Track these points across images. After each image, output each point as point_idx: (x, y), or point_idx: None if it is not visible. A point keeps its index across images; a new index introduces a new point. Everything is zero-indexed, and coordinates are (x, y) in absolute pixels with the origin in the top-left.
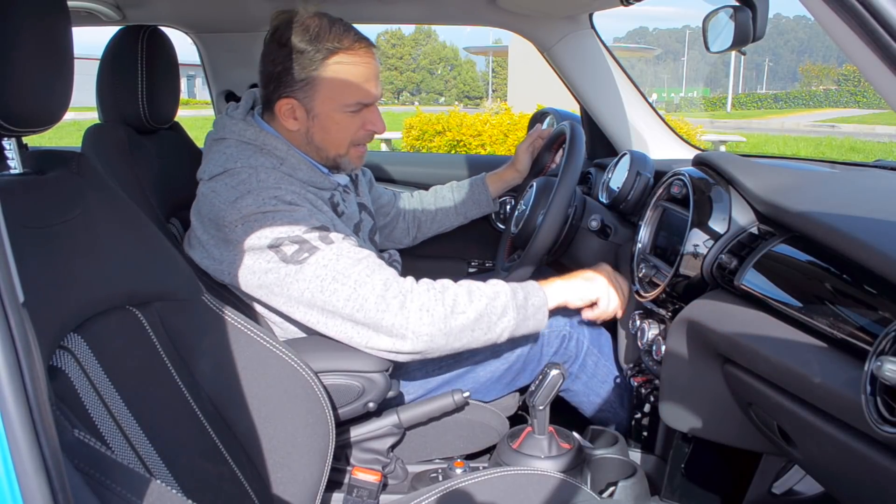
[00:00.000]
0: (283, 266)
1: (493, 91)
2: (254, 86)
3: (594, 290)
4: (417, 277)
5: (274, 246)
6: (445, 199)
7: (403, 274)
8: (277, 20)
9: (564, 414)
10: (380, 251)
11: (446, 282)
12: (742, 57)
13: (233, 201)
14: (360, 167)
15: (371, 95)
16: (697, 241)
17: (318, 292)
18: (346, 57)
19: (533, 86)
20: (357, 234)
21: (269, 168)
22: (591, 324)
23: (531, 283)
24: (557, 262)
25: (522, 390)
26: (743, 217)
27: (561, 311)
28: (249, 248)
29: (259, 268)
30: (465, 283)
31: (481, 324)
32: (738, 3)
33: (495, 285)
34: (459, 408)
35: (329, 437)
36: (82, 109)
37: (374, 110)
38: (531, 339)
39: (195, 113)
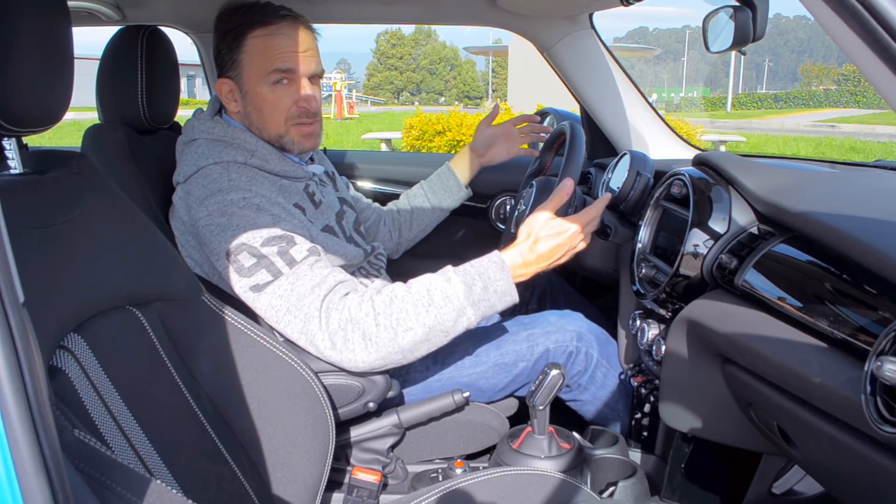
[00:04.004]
0: (241, 280)
1: (493, 91)
2: None
3: (560, 263)
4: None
5: (233, 253)
6: (417, 197)
7: (402, 274)
8: (219, 11)
9: (564, 414)
10: (367, 244)
11: (394, 292)
12: (742, 57)
13: (203, 199)
14: (309, 148)
15: (288, 63)
16: (697, 241)
17: (275, 322)
18: (265, 30)
19: (533, 86)
20: (340, 222)
21: (240, 163)
22: (599, 334)
23: (493, 264)
24: None
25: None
26: (743, 217)
27: (567, 325)
28: (213, 249)
29: (224, 274)
30: (415, 290)
31: (435, 333)
32: (738, 3)
33: (447, 286)
34: (459, 408)
35: (329, 437)
36: (82, 109)
37: (305, 86)
38: (535, 354)
39: None
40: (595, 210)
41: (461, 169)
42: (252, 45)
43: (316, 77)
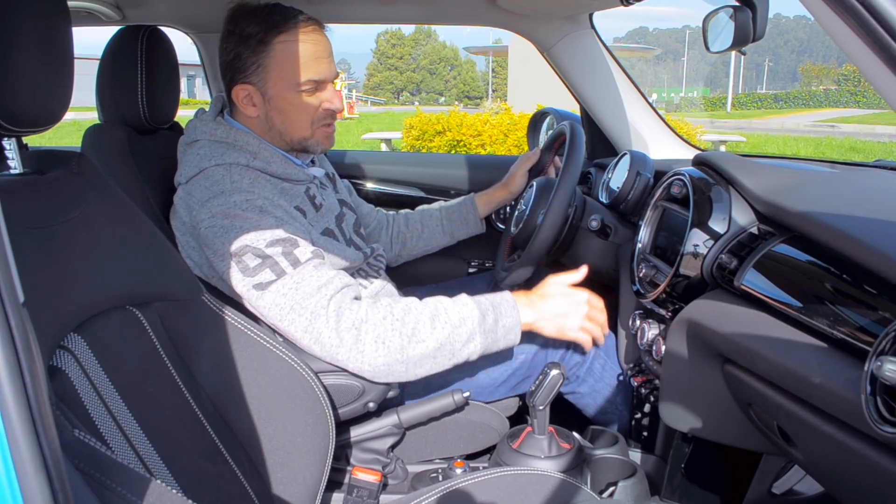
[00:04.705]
0: (244, 279)
1: (493, 91)
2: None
3: (568, 331)
4: (418, 277)
5: (237, 254)
6: (433, 218)
7: (402, 274)
8: (228, 12)
9: (564, 414)
10: (367, 246)
11: (410, 303)
12: (742, 57)
13: (205, 201)
14: (329, 147)
15: (322, 73)
16: (697, 241)
17: (278, 320)
18: (292, 36)
19: (533, 86)
20: (340, 225)
21: (242, 165)
22: None
23: (506, 301)
24: (557, 262)
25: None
26: (743, 217)
27: None
28: (216, 251)
29: (227, 275)
30: (432, 305)
31: (443, 351)
32: (738, 3)
33: (463, 308)
34: (459, 408)
35: (329, 437)
36: (82, 109)
37: (330, 89)
38: (535, 345)
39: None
40: (598, 300)
41: (485, 204)
42: (280, 51)
43: (335, 77)
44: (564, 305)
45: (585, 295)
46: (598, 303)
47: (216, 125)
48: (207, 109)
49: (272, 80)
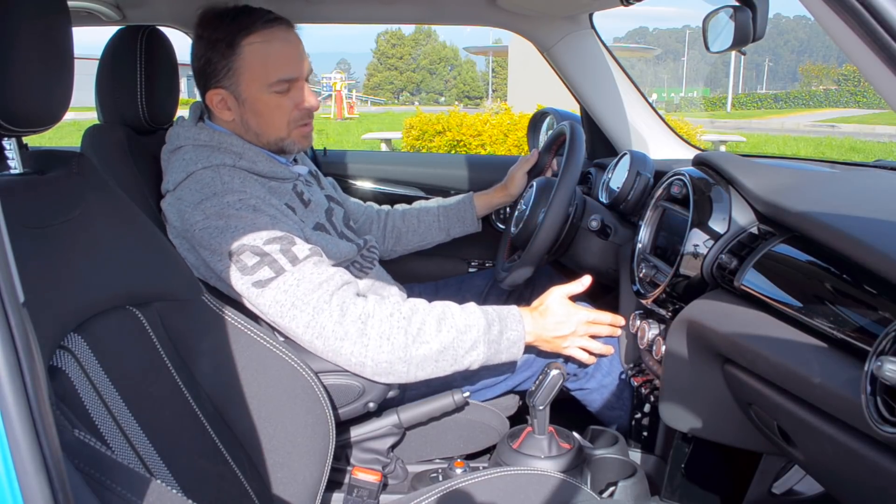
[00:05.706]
0: (243, 278)
1: (493, 91)
2: None
3: (566, 349)
4: (418, 276)
5: (235, 254)
6: (430, 214)
7: (402, 273)
8: (197, 16)
9: (564, 414)
10: (359, 238)
11: (417, 304)
12: (742, 57)
13: (197, 203)
14: (306, 147)
15: (292, 71)
16: (697, 241)
17: (279, 317)
18: (260, 37)
19: (533, 86)
20: (330, 219)
21: (230, 166)
22: None
23: (512, 315)
24: (557, 262)
25: (523, 393)
26: (743, 217)
27: None
28: (213, 251)
29: (225, 274)
30: (439, 308)
31: (446, 355)
32: (738, 3)
33: (470, 316)
34: (459, 408)
35: (329, 437)
36: (82, 109)
37: (303, 87)
38: None
39: None
40: (606, 317)
41: (484, 205)
42: (249, 52)
43: (308, 75)
44: (563, 327)
45: (585, 315)
46: (604, 317)
47: (199, 129)
48: (187, 117)
49: (244, 83)
